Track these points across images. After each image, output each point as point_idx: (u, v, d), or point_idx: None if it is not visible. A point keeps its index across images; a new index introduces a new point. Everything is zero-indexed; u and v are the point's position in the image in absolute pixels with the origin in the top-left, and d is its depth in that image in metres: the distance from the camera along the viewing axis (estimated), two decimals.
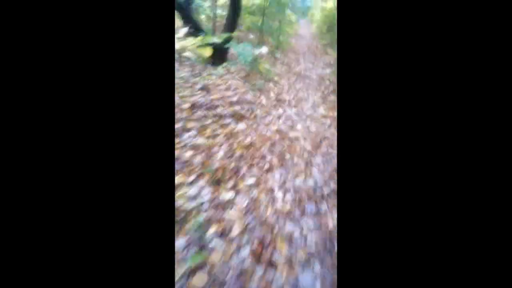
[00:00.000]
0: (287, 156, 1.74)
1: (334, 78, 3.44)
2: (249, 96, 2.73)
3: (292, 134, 2.09)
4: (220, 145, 1.71)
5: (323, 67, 4.18)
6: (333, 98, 2.84)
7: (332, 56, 4.50)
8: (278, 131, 2.13)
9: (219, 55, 3.60)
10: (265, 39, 4.96)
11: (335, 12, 5.58)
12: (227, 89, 2.79)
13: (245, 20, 4.80)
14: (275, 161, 1.66)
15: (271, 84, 3.31)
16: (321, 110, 2.58)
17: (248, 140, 1.87)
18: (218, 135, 1.83)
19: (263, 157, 1.68)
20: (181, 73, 2.96)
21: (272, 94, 3.00)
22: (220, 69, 3.37)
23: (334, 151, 1.85)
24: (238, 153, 1.68)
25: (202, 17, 4.50)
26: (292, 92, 3.17)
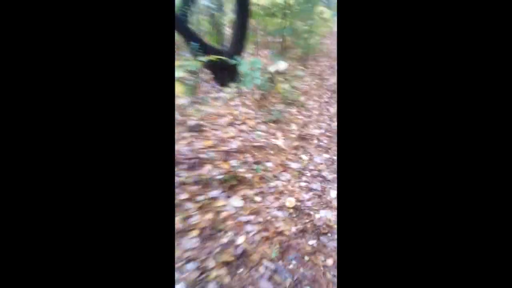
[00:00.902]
0: None
1: None
2: (259, 135, 1.93)
3: (319, 216, 1.24)
4: (185, 263, 0.95)
5: None
6: None
7: None
8: (296, 210, 1.29)
9: (228, 72, 2.86)
10: (290, 44, 4.09)
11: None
12: (230, 124, 2.03)
13: (266, 23, 3.98)
14: None
15: (294, 110, 2.46)
16: None
17: (239, 243, 1.07)
18: (187, 232, 1.08)
19: None
20: (180, 99, 2.29)
21: (294, 127, 2.16)
22: (228, 91, 2.63)
23: None
24: (210, 285, 0.90)
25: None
26: (323, 122, 2.28)
